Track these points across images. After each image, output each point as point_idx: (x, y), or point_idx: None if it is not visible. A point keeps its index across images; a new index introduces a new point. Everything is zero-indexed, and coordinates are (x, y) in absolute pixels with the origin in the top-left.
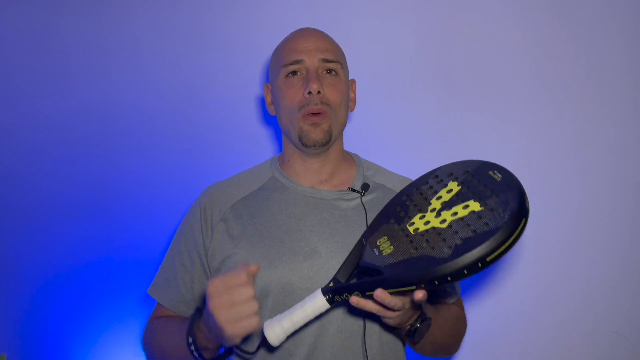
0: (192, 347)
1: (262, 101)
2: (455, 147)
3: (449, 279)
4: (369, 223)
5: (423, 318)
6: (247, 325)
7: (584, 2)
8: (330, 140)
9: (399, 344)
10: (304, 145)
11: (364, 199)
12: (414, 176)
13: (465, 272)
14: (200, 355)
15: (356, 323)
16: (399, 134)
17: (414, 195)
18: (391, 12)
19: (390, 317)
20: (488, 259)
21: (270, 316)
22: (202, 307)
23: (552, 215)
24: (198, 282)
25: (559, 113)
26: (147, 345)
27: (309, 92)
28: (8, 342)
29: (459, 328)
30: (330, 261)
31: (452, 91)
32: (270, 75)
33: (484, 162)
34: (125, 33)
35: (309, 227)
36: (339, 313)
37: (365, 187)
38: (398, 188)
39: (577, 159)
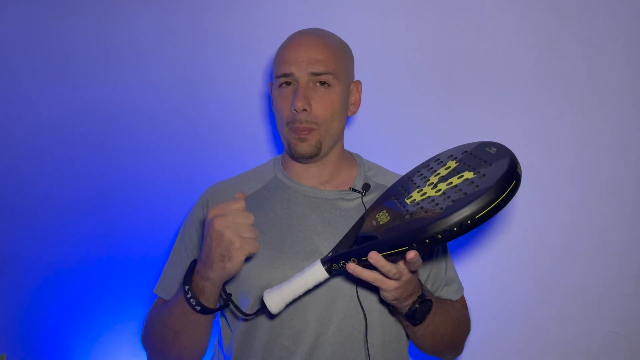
0: (189, 295)
1: (262, 101)
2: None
3: (439, 237)
4: None
5: (423, 299)
6: (252, 244)
7: (585, 2)
8: (320, 153)
9: (402, 342)
10: (293, 157)
11: (365, 199)
12: None
13: (455, 229)
14: (197, 302)
15: (357, 322)
16: (399, 134)
17: (415, 177)
18: (391, 12)
19: (388, 289)
20: (477, 217)
21: (271, 315)
22: (196, 260)
23: (551, 214)
24: None
25: (559, 113)
26: (147, 331)
27: (295, 109)
28: (8, 342)
29: (462, 324)
30: None
31: (453, 91)
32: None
33: (482, 142)
34: (126, 33)
35: (311, 226)
36: (340, 311)
37: (366, 187)
38: None
39: (577, 159)
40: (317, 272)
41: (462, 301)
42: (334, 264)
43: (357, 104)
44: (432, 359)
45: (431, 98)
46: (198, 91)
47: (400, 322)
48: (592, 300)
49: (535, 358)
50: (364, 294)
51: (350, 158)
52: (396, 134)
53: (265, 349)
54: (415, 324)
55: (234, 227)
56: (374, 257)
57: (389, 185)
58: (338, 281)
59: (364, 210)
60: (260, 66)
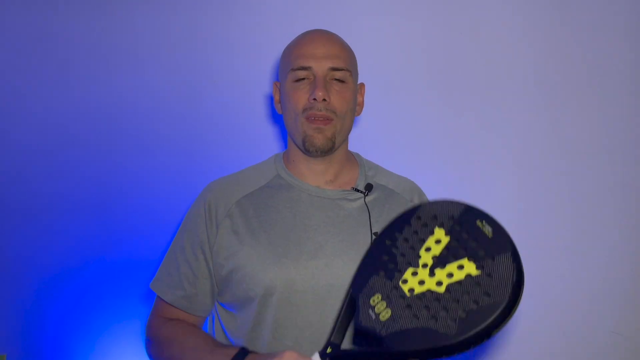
0: None
1: (262, 102)
2: (456, 147)
3: (454, 353)
4: (371, 225)
5: None
6: None
7: (586, 2)
8: (333, 147)
9: None
10: (307, 150)
11: (367, 199)
12: (414, 177)
13: (472, 346)
14: None
15: None
16: (400, 134)
17: (399, 242)
18: (392, 13)
19: None
20: (492, 333)
21: (275, 315)
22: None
23: (552, 215)
24: (201, 278)
25: (561, 115)
26: (155, 349)
27: (314, 99)
28: (8, 342)
29: None
30: (335, 260)
31: (454, 92)
32: (279, 75)
33: (468, 208)
34: (126, 34)
35: (314, 226)
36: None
37: (369, 188)
38: (398, 189)
39: (578, 160)
40: None
41: None
42: None
43: (362, 105)
44: None
45: (432, 99)
46: (198, 92)
47: None
48: (592, 300)
49: (536, 358)
50: None
51: (352, 158)
52: (396, 134)
53: (270, 350)
54: None
55: None
56: None
57: (388, 186)
58: (339, 282)
59: (367, 210)
60: (260, 67)
